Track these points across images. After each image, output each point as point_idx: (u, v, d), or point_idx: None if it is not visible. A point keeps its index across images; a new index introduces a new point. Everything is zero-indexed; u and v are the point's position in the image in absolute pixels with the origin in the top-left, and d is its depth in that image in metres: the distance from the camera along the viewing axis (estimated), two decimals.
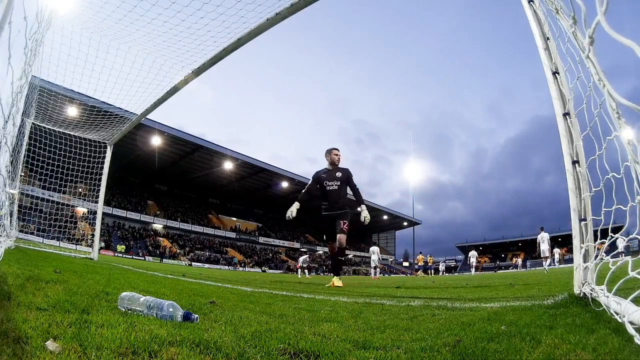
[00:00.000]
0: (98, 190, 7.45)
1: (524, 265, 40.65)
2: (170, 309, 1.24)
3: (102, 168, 7.35)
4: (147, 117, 6.53)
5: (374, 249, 16.17)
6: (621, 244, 1.43)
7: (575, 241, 1.85)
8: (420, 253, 24.82)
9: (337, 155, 5.32)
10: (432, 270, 24.50)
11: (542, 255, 12.37)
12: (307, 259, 20.97)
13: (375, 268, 15.55)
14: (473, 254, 22.50)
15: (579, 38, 1.13)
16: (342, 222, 5.08)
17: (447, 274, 30.75)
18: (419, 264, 23.74)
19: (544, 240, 12.40)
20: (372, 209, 53.03)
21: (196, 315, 1.24)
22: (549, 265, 12.56)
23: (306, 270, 19.91)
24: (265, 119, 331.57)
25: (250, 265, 37.81)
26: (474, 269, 21.57)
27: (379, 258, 15.64)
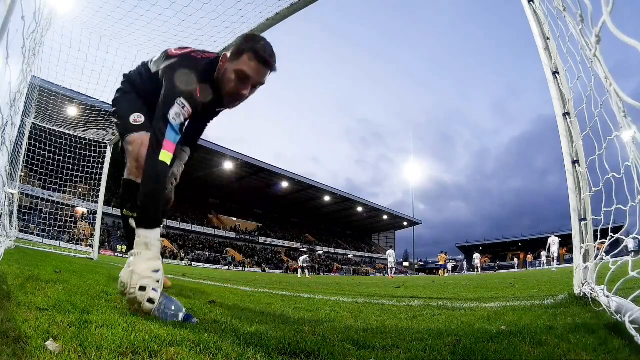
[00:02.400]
0: (98, 190, 7.44)
1: (524, 265, 40.64)
2: (173, 308, 1.24)
3: (102, 168, 7.34)
4: None
5: (391, 252, 18.98)
6: (631, 244, 1.44)
7: (575, 241, 1.85)
8: (442, 252, 24.43)
9: None
10: (446, 270, 24.03)
11: (551, 256, 14.55)
12: (307, 259, 20.93)
13: (391, 269, 18.23)
14: (477, 256, 24.63)
15: (585, 36, 1.13)
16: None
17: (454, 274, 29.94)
18: (441, 262, 23.47)
19: (554, 243, 14.37)
20: (372, 209, 53.12)
21: (196, 319, 1.24)
22: (556, 264, 14.39)
23: (306, 270, 19.91)
24: (268, 118, 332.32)
25: (251, 265, 37.81)
26: (479, 269, 22.23)
27: (394, 260, 18.52)
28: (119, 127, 1.96)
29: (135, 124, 1.87)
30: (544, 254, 25.77)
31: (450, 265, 29.60)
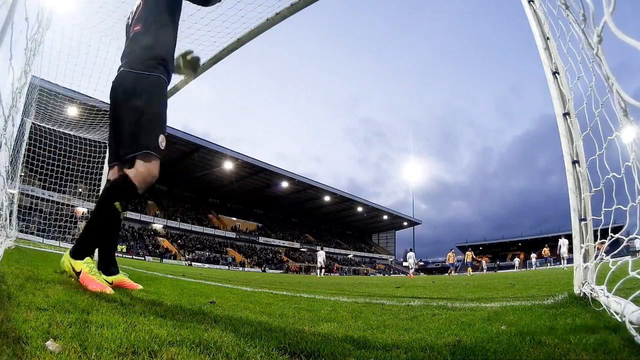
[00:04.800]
0: (98, 190, 7.44)
1: (524, 265, 40.62)
2: None
3: (102, 168, 7.34)
4: None
5: (411, 254, 21.11)
6: (638, 243, 1.44)
7: (575, 241, 1.85)
8: (452, 250, 23.75)
9: None
10: (454, 269, 23.50)
11: (561, 257, 17.36)
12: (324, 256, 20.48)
13: (411, 269, 20.64)
14: (411, 256, 25.25)
15: (588, 36, 1.13)
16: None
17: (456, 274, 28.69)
18: (449, 262, 23.03)
19: (564, 244, 17.17)
20: (372, 209, 53.09)
21: None
22: (566, 264, 16.53)
23: (320, 270, 19.85)
24: (271, 117, 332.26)
25: (251, 265, 37.81)
26: (411, 271, 22.60)
27: (414, 261, 20.73)
28: (145, 136, 1.78)
29: (161, 147, 1.85)
30: (533, 255, 28.19)
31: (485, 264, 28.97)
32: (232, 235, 41.84)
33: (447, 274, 21.30)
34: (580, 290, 1.82)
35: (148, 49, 1.93)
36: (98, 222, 1.81)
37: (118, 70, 1.99)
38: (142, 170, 1.79)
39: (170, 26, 2.04)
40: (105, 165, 7.19)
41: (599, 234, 1.71)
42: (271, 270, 34.29)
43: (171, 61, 2.06)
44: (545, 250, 23.66)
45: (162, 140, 1.86)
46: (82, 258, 1.80)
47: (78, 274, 1.77)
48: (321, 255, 20.19)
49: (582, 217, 1.82)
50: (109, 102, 2.02)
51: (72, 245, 1.83)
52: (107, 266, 2.04)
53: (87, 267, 1.79)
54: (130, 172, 1.80)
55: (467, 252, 22.62)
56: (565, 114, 1.97)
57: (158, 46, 1.96)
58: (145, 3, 2.04)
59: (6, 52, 1.08)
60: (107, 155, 7.20)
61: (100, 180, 7.38)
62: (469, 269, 21.30)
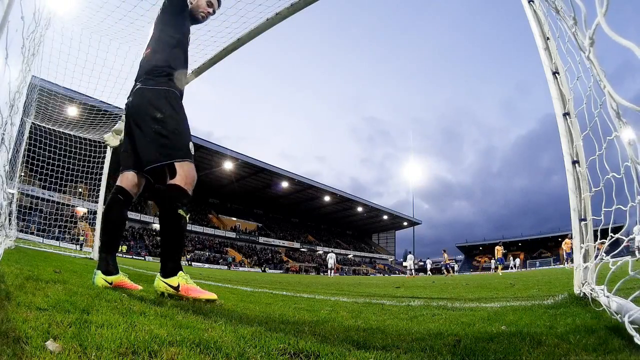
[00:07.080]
0: (98, 190, 7.44)
1: (523, 266, 40.60)
2: None
3: (102, 168, 7.34)
4: None
5: (411, 256, 22.94)
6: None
7: (575, 241, 1.85)
8: (444, 250, 23.04)
9: None
10: (452, 269, 23.26)
11: (565, 257, 18.09)
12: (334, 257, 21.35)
13: (411, 270, 22.27)
14: (411, 257, 24.79)
15: (579, 38, 1.13)
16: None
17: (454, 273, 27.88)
18: (446, 262, 22.64)
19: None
20: (372, 209, 53.09)
21: None
22: (569, 264, 16.65)
23: (330, 270, 20.34)
24: (275, 117, 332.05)
25: (251, 265, 37.81)
26: (410, 272, 23.11)
27: (412, 263, 22.48)
28: (176, 143, 1.96)
29: (192, 152, 2.03)
30: (511, 261, 27.94)
31: (455, 265, 28.62)
32: (232, 235, 41.84)
33: (445, 274, 21.18)
34: (580, 290, 1.82)
35: (158, 67, 2.10)
36: (173, 235, 1.90)
37: (133, 89, 2.14)
38: (186, 174, 1.94)
39: (177, 48, 2.21)
40: (106, 166, 7.20)
41: (599, 234, 1.71)
42: (271, 270, 34.27)
43: (179, 79, 2.18)
44: (567, 242, 19.98)
45: (192, 147, 2.05)
46: (175, 274, 1.86)
47: (177, 288, 1.84)
48: (332, 257, 21.28)
49: (582, 217, 1.83)
50: (124, 113, 2.21)
51: (160, 268, 1.91)
52: (107, 266, 2.06)
53: (182, 279, 1.86)
54: (177, 180, 1.92)
55: (497, 247, 19.96)
56: (565, 114, 1.97)
57: (167, 65, 2.12)
58: (154, 30, 2.30)
59: (2, 50, 1.08)
60: (107, 156, 7.22)
61: (100, 180, 7.37)
62: (500, 266, 18.48)
